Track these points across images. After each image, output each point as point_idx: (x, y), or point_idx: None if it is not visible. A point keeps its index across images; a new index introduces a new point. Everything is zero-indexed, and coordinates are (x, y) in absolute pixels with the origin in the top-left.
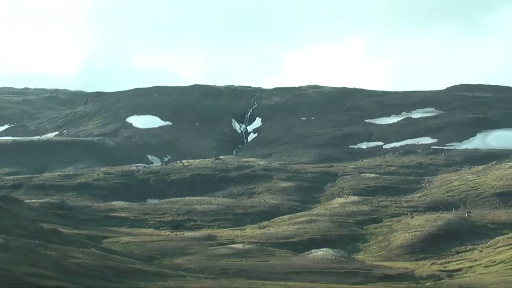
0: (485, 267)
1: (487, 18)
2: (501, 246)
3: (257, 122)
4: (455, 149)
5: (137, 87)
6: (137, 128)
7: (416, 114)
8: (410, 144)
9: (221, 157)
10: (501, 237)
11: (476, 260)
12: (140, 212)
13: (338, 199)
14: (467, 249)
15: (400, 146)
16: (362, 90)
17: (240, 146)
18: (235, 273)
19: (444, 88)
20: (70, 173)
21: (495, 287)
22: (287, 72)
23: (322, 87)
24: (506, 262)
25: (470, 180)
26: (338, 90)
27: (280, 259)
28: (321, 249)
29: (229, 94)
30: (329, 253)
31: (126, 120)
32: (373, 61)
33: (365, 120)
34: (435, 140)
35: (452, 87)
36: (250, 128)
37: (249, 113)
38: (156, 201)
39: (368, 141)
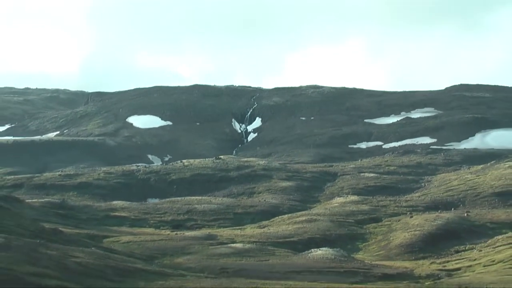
0: (484, 266)
1: (487, 18)
2: (500, 246)
3: (257, 122)
4: (454, 149)
5: (137, 87)
6: (138, 128)
7: (415, 114)
8: (409, 144)
9: (221, 157)
10: (500, 237)
11: (475, 260)
12: (140, 212)
13: (338, 198)
14: (466, 248)
15: (399, 146)
16: (362, 90)
17: (240, 146)
18: (235, 272)
19: (443, 88)
20: (71, 173)
21: (494, 286)
22: (287, 72)
23: (322, 87)
24: (505, 262)
25: (469, 180)
26: (337, 90)
27: (280, 259)
28: (320, 249)
29: (229, 94)
30: (328, 253)
31: (126, 120)
32: (373, 61)
33: (365, 120)
34: (434, 140)
35: (451, 87)
36: (250, 128)
37: (249, 113)
38: (157, 200)
39: (368, 141)
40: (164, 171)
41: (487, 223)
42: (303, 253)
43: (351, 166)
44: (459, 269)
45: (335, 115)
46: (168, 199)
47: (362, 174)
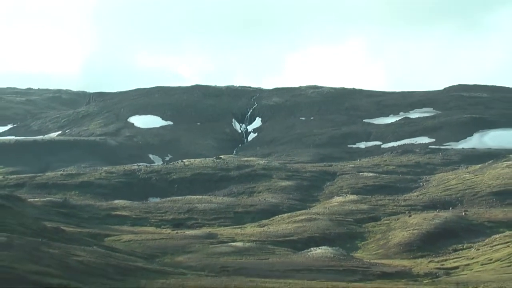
0: (481, 265)
1: (487, 18)
2: (498, 244)
3: (257, 122)
4: (452, 148)
5: (138, 87)
6: (139, 128)
7: (414, 114)
8: (408, 144)
9: (222, 156)
10: (497, 236)
11: (473, 258)
12: (141, 211)
13: (337, 198)
14: (464, 247)
15: (398, 145)
16: (361, 91)
17: (240, 145)
18: (235, 271)
19: (442, 88)
20: (72, 172)
21: (491, 284)
22: (287, 72)
23: (321, 87)
24: (502, 260)
25: (467, 179)
26: (337, 91)
27: (280, 257)
28: (320, 247)
29: (229, 94)
30: (328, 251)
31: (128, 120)
32: (373, 61)
33: (364, 120)
34: (432, 140)
35: (449, 87)
36: (250, 128)
37: (249, 113)
38: (158, 200)
39: (367, 140)
40: (165, 171)
41: (485, 222)
42: (302, 251)
43: (350, 165)
44: (457, 267)
45: (334, 115)
46: (169, 198)
47: (361, 173)
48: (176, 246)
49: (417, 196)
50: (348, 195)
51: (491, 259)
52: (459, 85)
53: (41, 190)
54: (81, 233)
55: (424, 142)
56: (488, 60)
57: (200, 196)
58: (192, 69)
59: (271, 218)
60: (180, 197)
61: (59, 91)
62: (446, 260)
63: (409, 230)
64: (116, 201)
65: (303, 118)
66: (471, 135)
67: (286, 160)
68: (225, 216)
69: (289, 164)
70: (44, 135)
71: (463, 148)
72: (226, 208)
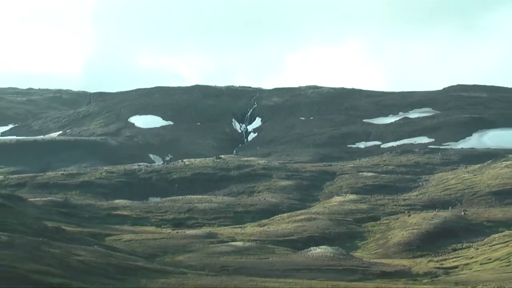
0: (481, 264)
1: (486, 18)
2: (497, 244)
3: (257, 122)
4: (451, 148)
5: (139, 87)
6: (139, 128)
7: (413, 114)
8: (407, 144)
9: (222, 156)
10: (496, 235)
11: (472, 258)
12: (142, 210)
13: (337, 197)
14: (463, 246)
15: (397, 145)
16: (360, 91)
17: (240, 145)
18: (235, 270)
19: (441, 88)
20: (73, 172)
21: (490, 284)
22: (287, 73)
23: (321, 87)
24: (501, 260)
25: (466, 179)
26: (336, 91)
27: (280, 257)
28: (320, 247)
29: (229, 94)
30: (327, 251)
31: (128, 120)
32: (372, 62)
33: (363, 120)
34: (432, 140)
35: (448, 87)
36: (250, 127)
37: (249, 113)
38: (158, 199)
39: (366, 140)
40: (165, 170)
41: (484, 222)
42: (302, 251)
43: (350, 165)
44: (456, 267)
45: (334, 115)
46: (169, 198)
47: (360, 173)
48: (176, 245)
49: (417, 195)
50: (347, 194)
51: (490, 259)
52: (458, 85)
53: (42, 190)
54: (82, 232)
55: (423, 142)
56: (487, 60)
57: (200, 196)
58: (192, 69)
59: (271, 218)
60: (180, 197)
61: (60, 91)
62: (445, 259)
63: (409, 230)
64: (116, 201)
65: (303, 118)
66: (470, 135)
67: (286, 160)
68: (225, 216)
69: (289, 164)
70: (45, 135)
71: (462, 148)
72: (226, 207)
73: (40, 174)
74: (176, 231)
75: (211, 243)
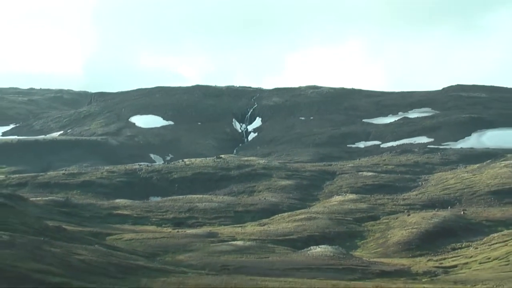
0: (480, 263)
1: (486, 18)
2: (496, 243)
3: (257, 122)
4: (450, 148)
5: (139, 87)
6: (140, 128)
7: (413, 114)
8: (406, 143)
9: (222, 156)
10: (495, 234)
11: (471, 257)
12: (143, 210)
13: (337, 197)
14: (463, 246)
15: (397, 145)
16: (360, 91)
17: (240, 145)
18: (235, 269)
19: (440, 88)
20: (74, 172)
21: (489, 283)
22: (287, 73)
23: (321, 87)
24: (500, 259)
25: (466, 179)
26: (336, 91)
27: (280, 256)
28: (319, 246)
29: (229, 94)
30: (327, 250)
31: (129, 119)
32: (372, 62)
33: (363, 120)
34: (431, 140)
35: (448, 87)
36: (250, 127)
37: (249, 113)
38: (159, 199)
39: (366, 140)
40: (166, 170)
41: (483, 221)
42: (302, 250)
43: (350, 165)
44: (455, 266)
45: (334, 115)
46: (170, 198)
47: (360, 173)
48: (177, 244)
49: (416, 195)
50: (347, 194)
51: (489, 258)
52: (458, 85)
53: (43, 189)
54: (83, 232)
55: (422, 141)
56: (487, 60)
57: (201, 195)
58: (193, 69)
59: (271, 217)
60: (181, 196)
61: (61, 91)
62: (444, 258)
63: (408, 229)
64: (117, 200)
65: (302, 118)
66: (470, 135)
67: (286, 160)
68: (226, 215)
69: (289, 164)
70: (46, 135)
71: (461, 148)
72: (227, 207)
73: (41, 173)
74: (177, 230)
75: (212, 242)
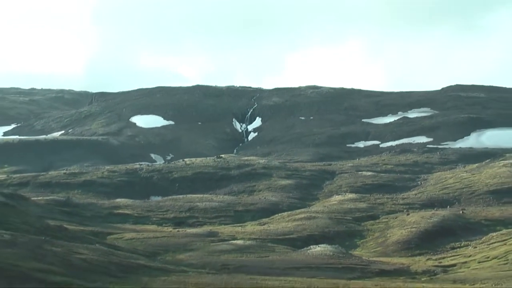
0: (479, 262)
1: (486, 18)
2: (495, 242)
3: (257, 122)
4: (450, 148)
5: (140, 87)
6: (141, 128)
7: (412, 114)
8: (406, 143)
9: (222, 155)
10: (494, 234)
11: (470, 256)
12: (143, 209)
13: (336, 196)
14: (462, 245)
15: (396, 145)
16: (360, 91)
17: (240, 145)
18: (236, 269)
19: (440, 88)
20: (75, 171)
21: (488, 282)
22: (287, 73)
23: (321, 87)
24: (499, 258)
25: (465, 178)
26: (336, 91)
27: (280, 255)
28: (319, 245)
29: (230, 94)
30: (327, 249)
31: (129, 119)
32: (372, 62)
33: (363, 120)
34: (430, 139)
35: (447, 87)
36: (250, 127)
37: (249, 112)
38: (159, 198)
39: (365, 140)
40: (166, 170)
41: (482, 221)
42: (302, 249)
43: (349, 164)
44: (454, 265)
45: (333, 115)
46: (170, 197)
47: (360, 172)
48: (177, 244)
49: (415, 194)
50: (347, 193)
51: (488, 257)
52: (457, 85)
53: (44, 189)
54: (84, 231)
55: (422, 141)
56: (486, 60)
57: (201, 195)
58: (193, 69)
59: (271, 217)
60: (181, 196)
61: (62, 91)
62: (443, 258)
63: (407, 228)
64: (118, 200)
65: (302, 118)
66: (469, 134)
67: (286, 159)
68: (226, 215)
69: (289, 163)
70: (47, 135)
71: (460, 148)
72: (227, 206)
73: (42, 173)
74: (177, 229)
75: (212, 241)
